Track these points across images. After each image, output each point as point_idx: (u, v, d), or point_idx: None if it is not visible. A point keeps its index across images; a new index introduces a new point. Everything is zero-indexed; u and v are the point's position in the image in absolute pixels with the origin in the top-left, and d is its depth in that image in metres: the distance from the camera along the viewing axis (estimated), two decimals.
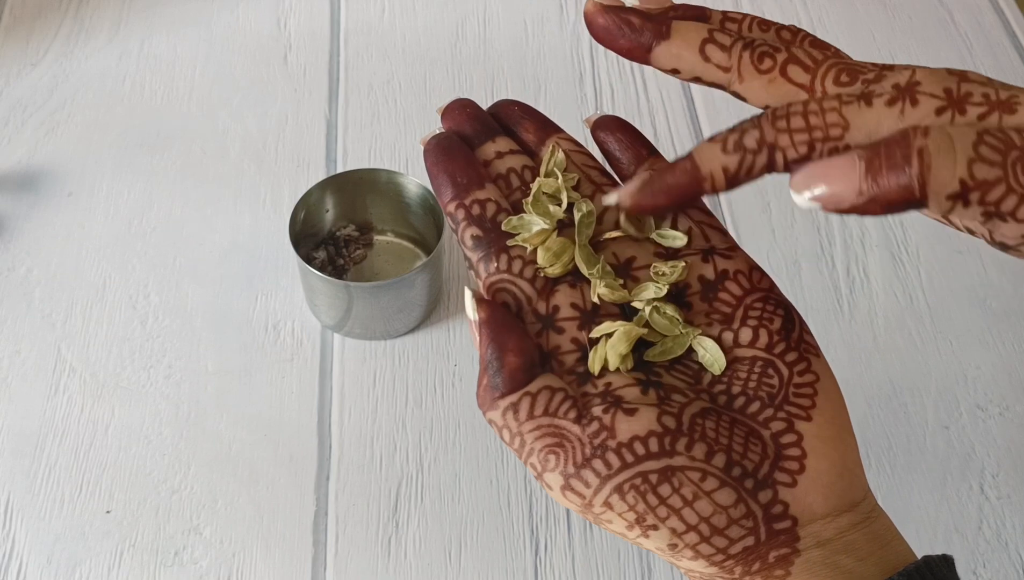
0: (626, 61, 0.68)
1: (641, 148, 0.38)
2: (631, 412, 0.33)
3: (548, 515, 0.58)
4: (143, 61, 0.79)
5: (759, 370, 0.34)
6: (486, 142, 0.38)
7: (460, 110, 0.38)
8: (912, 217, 0.71)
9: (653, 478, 0.32)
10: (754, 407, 0.34)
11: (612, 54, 0.79)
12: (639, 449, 0.32)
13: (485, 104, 0.39)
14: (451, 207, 0.36)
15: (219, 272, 0.67)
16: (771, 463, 0.33)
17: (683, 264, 0.36)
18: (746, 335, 0.35)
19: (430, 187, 0.64)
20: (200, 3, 0.83)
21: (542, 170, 0.37)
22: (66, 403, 0.61)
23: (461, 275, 0.67)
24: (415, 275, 0.60)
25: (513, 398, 0.33)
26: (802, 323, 0.35)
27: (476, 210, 0.36)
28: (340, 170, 0.72)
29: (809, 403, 0.34)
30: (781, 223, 0.71)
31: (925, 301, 0.67)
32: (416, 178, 0.65)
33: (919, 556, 0.33)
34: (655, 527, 0.32)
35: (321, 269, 0.65)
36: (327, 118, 0.75)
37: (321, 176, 0.71)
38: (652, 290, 0.35)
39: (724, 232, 0.37)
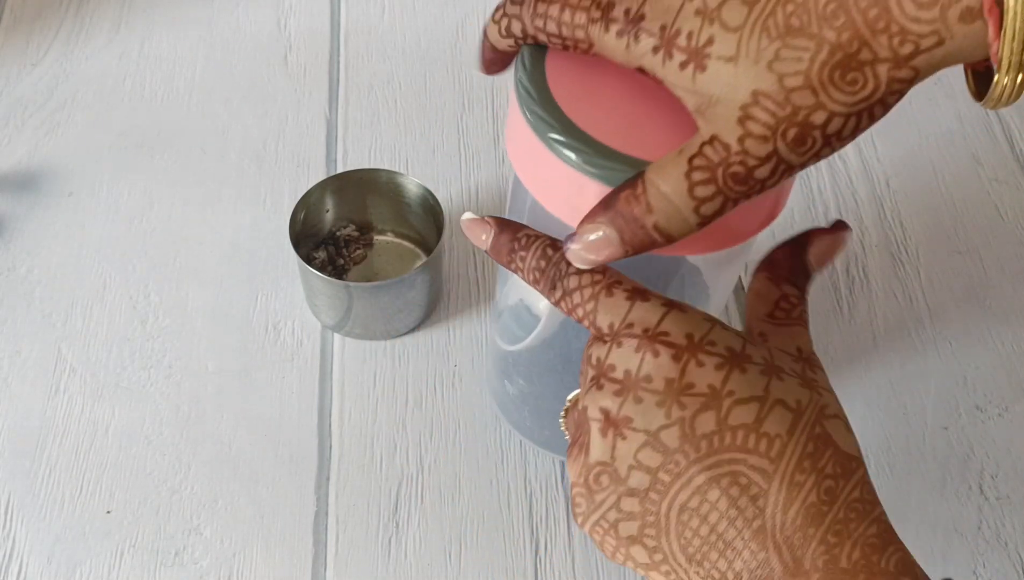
0: None
1: None
2: None
3: (548, 515, 0.58)
4: (143, 61, 0.79)
5: None
6: None
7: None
8: (912, 218, 0.72)
9: None
10: None
11: None
12: None
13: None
14: None
15: (219, 272, 0.67)
16: None
17: None
18: None
19: (430, 187, 0.64)
20: (200, 3, 0.83)
21: None
22: (66, 403, 0.61)
23: (461, 275, 0.67)
24: (415, 275, 0.60)
25: None
26: None
27: None
28: (340, 170, 0.72)
29: None
30: (781, 223, 0.71)
31: (925, 301, 0.67)
32: (416, 178, 0.65)
33: None
34: None
35: (321, 269, 0.65)
36: (327, 118, 0.75)
37: (321, 176, 0.71)
38: None
39: None
